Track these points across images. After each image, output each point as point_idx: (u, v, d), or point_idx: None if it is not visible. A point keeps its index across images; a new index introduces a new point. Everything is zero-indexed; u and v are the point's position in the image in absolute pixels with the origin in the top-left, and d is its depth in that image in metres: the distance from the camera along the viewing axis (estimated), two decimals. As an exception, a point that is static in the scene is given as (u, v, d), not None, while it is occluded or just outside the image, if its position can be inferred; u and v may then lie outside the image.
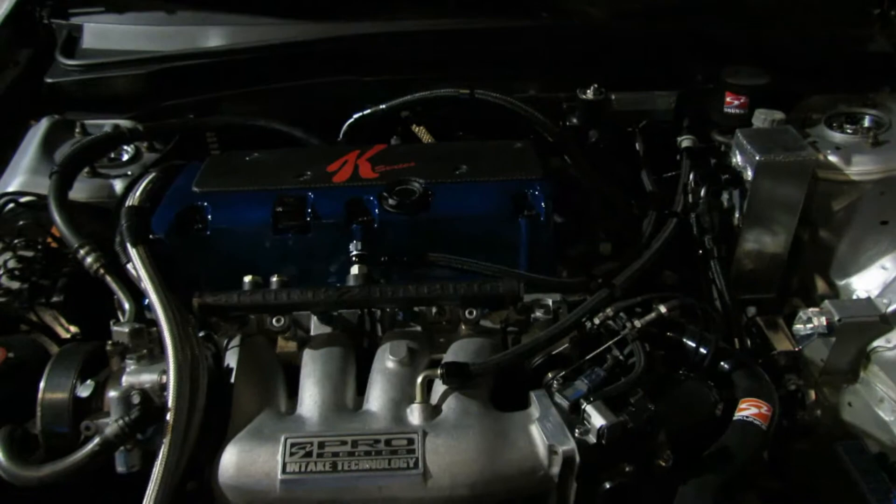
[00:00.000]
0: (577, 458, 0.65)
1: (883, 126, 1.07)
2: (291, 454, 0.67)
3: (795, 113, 1.11)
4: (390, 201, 0.85)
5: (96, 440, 0.65)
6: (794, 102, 1.13)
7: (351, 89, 1.13)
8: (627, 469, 0.65)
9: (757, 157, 0.95)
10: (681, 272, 1.01)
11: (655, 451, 0.66)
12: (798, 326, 0.96)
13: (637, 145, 1.12)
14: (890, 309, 0.96)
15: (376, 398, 0.73)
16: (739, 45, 1.14)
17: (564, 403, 0.68)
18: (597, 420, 0.63)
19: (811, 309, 0.92)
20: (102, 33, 1.18)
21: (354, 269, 0.80)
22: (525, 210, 0.87)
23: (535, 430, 0.69)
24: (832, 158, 1.02)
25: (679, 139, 1.09)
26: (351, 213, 0.86)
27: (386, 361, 0.75)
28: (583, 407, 0.66)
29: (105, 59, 1.15)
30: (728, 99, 1.06)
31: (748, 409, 0.76)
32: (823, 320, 0.92)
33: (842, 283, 1.02)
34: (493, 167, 0.92)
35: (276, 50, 1.11)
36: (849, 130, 1.06)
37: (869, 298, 0.95)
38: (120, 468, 0.67)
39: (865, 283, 1.00)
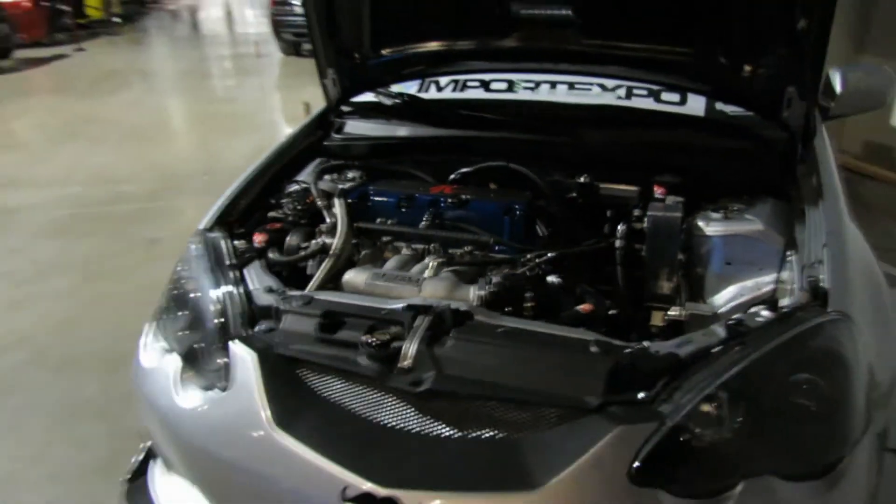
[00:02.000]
0: None
1: (737, 210, 1.73)
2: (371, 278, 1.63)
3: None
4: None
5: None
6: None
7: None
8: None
9: (649, 213, 1.75)
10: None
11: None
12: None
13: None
14: (720, 310, 1.66)
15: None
16: (677, 166, 1.94)
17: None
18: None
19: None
20: (355, 126, 2.34)
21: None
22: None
23: None
24: (699, 222, 1.76)
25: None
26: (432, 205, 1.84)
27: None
28: None
29: (351, 138, 2.27)
30: (657, 190, 1.88)
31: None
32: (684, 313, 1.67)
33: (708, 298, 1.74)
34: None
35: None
36: (719, 212, 1.74)
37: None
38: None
39: (718, 299, 1.71)
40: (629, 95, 2.13)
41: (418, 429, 1.33)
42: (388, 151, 2.16)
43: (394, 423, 1.34)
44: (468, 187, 1.93)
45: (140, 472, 1.79)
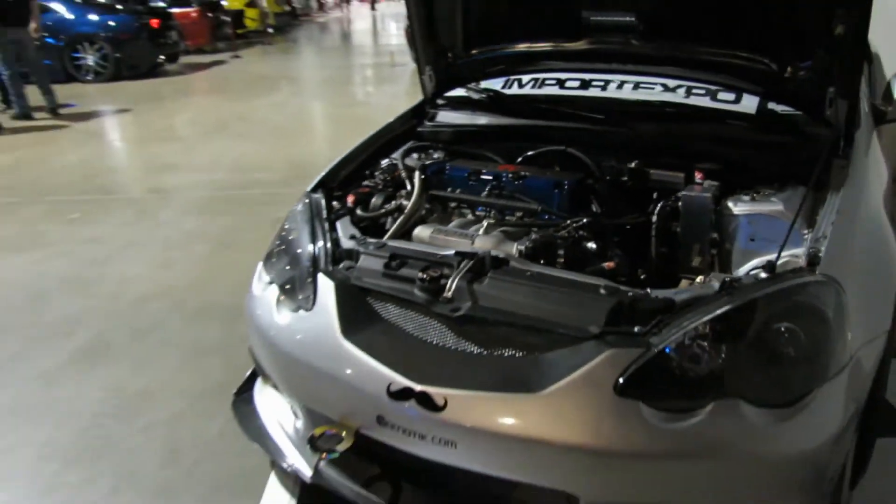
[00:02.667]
0: None
1: (766, 194, 1.93)
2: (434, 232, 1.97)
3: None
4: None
5: None
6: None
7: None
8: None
9: (683, 193, 1.98)
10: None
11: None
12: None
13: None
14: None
15: None
16: (722, 157, 2.14)
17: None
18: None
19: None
20: (445, 116, 2.69)
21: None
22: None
23: None
24: (729, 203, 1.95)
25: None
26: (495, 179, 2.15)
27: None
28: None
29: (440, 126, 2.63)
30: (697, 176, 2.09)
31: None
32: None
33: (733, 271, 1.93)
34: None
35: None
36: (748, 195, 1.94)
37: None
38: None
39: (742, 271, 1.90)
40: (689, 94, 2.35)
41: (453, 346, 1.65)
42: (469, 137, 2.49)
43: (434, 341, 1.67)
44: (529, 167, 2.22)
45: (246, 388, 2.22)
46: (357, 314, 1.78)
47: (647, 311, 1.56)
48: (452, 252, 1.79)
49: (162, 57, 11.55)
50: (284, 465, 1.88)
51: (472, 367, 1.60)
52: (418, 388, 1.56)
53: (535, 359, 1.56)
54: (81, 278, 3.76)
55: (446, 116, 2.63)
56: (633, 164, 2.16)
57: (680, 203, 1.96)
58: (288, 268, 2.01)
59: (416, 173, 2.20)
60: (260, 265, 2.15)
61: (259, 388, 2.16)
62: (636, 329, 1.53)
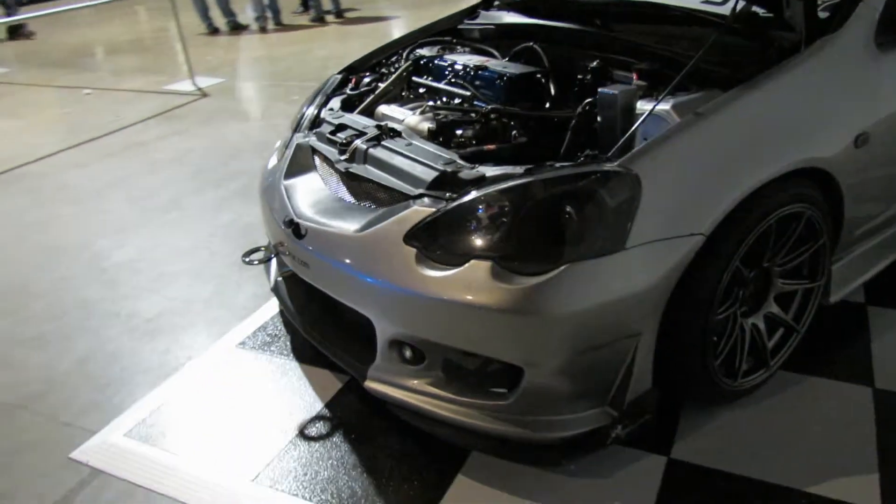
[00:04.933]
0: None
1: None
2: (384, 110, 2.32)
3: None
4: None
5: None
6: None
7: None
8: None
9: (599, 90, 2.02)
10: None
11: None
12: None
13: None
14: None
15: None
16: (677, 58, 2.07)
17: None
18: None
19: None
20: (489, 16, 2.88)
21: None
22: None
23: None
24: (638, 103, 1.94)
25: None
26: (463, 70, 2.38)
27: None
28: None
29: (472, 24, 2.82)
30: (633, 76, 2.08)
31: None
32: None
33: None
34: None
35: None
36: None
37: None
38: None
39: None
40: None
41: (338, 194, 2.05)
42: (487, 35, 2.69)
43: (330, 189, 2.08)
44: (497, 61, 2.39)
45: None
46: (299, 166, 2.25)
47: (462, 181, 1.78)
48: (374, 124, 2.15)
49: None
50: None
51: (339, 211, 1.98)
52: (295, 220, 2.00)
53: (378, 211, 1.89)
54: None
55: (490, 16, 2.84)
56: (594, 64, 2.23)
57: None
58: (288, 133, 2.52)
59: (403, 60, 2.52)
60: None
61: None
62: (447, 195, 1.77)
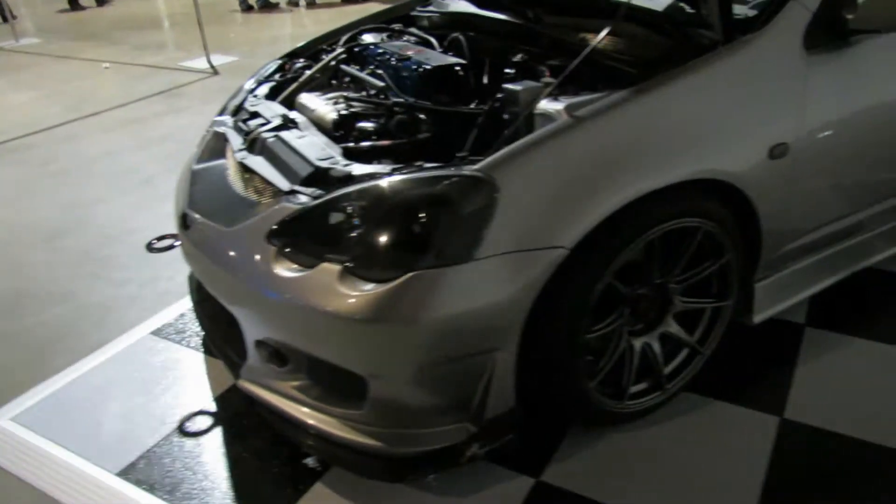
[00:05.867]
0: None
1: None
2: (302, 99, 2.26)
3: None
4: None
5: None
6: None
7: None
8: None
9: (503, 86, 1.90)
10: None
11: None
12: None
13: None
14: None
15: None
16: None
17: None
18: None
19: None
20: (440, 3, 2.77)
21: None
22: None
23: None
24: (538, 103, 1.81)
25: None
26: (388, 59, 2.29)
27: None
28: None
29: (420, 13, 2.70)
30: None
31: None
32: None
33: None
34: None
35: None
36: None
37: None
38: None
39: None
40: None
41: (231, 184, 1.99)
42: (435, 24, 2.58)
43: (226, 178, 2.03)
44: (420, 51, 2.27)
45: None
46: (211, 153, 2.20)
47: (333, 180, 1.70)
48: (282, 114, 2.08)
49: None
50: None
51: (225, 203, 1.93)
52: (184, 209, 1.96)
53: (257, 204, 1.83)
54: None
55: (441, 4, 2.73)
56: (518, 58, 2.11)
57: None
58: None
59: (336, 48, 2.44)
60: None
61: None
62: (317, 193, 1.69)
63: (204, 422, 1.98)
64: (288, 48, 2.73)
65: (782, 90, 1.78)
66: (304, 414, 1.71)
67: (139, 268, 2.86)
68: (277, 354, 1.73)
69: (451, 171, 1.56)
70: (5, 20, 8.35)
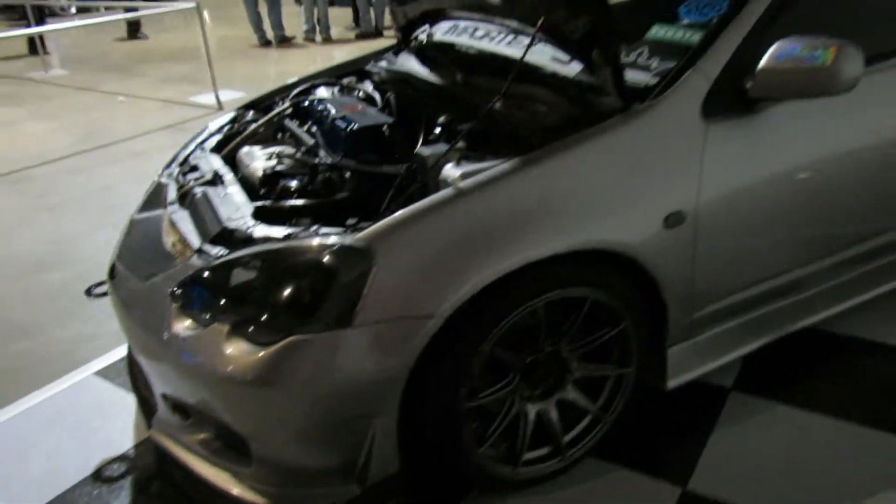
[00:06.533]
0: None
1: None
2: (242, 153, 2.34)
3: None
4: None
5: None
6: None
7: None
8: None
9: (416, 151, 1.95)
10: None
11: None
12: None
13: None
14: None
15: None
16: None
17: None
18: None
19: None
20: (392, 59, 2.83)
21: None
22: None
23: None
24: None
25: None
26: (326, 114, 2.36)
27: None
28: None
29: (374, 68, 2.77)
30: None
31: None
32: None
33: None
34: None
35: None
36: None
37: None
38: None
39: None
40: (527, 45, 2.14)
41: (161, 236, 2.05)
42: (384, 79, 2.64)
43: (157, 229, 2.09)
44: (358, 110, 2.32)
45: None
46: (151, 203, 2.29)
47: (236, 240, 1.76)
48: (217, 168, 2.16)
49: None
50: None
51: (150, 255, 2.00)
52: (113, 259, 2.05)
53: (173, 259, 1.90)
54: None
55: (392, 59, 2.79)
56: (441, 118, 2.16)
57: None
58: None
59: (282, 102, 2.52)
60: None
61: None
62: (221, 252, 1.75)
63: (120, 467, 2.04)
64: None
65: (678, 158, 1.78)
66: (203, 468, 1.76)
67: (106, 305, 2.95)
68: (180, 408, 1.79)
69: (329, 240, 1.60)
70: (36, 52, 8.71)
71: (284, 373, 1.54)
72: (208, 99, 6.43)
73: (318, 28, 9.31)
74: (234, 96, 6.49)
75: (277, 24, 9.08)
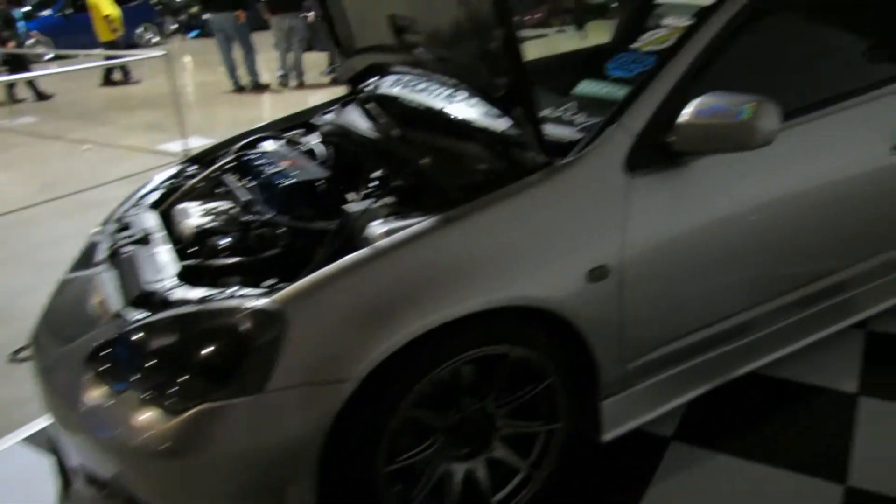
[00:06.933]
0: None
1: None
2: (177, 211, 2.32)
3: None
4: None
5: None
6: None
7: None
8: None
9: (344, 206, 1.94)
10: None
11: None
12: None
13: None
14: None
15: None
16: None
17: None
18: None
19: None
20: (337, 111, 2.85)
21: None
22: None
23: None
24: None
25: None
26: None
27: None
28: None
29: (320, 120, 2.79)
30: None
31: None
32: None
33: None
34: None
35: None
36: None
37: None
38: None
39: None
40: (462, 101, 2.15)
41: (90, 298, 2.01)
42: (322, 133, 2.64)
43: (87, 290, 2.04)
44: (300, 165, 2.32)
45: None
46: (83, 262, 2.26)
47: (154, 304, 1.73)
48: (147, 227, 2.14)
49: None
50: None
51: (75, 317, 1.97)
52: (39, 321, 2.01)
53: (94, 322, 1.86)
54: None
55: (337, 112, 2.80)
56: (378, 172, 2.16)
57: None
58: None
59: (223, 158, 2.52)
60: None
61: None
62: (139, 316, 1.72)
63: (40, 539, 1.97)
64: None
65: (601, 212, 1.78)
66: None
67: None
68: (95, 480, 1.74)
69: (248, 302, 1.58)
70: (12, 101, 8.70)
71: (196, 442, 1.50)
72: (176, 147, 6.42)
73: (291, 74, 9.39)
74: (203, 143, 6.48)
75: (252, 70, 9.16)
